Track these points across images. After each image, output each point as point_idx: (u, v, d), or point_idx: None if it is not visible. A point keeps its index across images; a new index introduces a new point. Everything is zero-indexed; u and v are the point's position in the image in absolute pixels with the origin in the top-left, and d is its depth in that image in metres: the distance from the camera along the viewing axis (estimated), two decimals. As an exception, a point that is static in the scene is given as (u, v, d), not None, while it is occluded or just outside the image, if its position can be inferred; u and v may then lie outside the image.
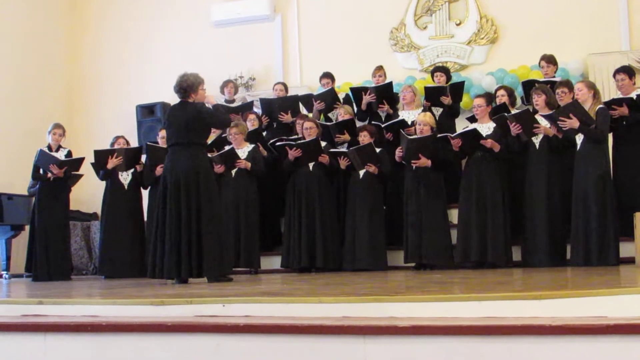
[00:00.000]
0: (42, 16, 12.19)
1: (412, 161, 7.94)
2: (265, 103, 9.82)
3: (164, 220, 6.51)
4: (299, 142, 8.52)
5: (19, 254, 10.12)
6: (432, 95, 9.13)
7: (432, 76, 9.57)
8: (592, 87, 7.38)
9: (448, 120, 9.13)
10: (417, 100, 9.11)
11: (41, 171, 8.75)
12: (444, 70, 9.60)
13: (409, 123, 8.63)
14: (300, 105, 9.85)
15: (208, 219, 6.51)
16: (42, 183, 8.83)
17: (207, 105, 6.89)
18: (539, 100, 7.70)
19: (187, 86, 6.73)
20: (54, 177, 8.65)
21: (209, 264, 6.44)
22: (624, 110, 7.72)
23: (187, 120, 6.61)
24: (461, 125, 8.99)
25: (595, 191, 7.12)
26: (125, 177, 9.09)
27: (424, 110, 8.76)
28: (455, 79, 9.95)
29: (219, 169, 8.35)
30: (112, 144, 9.22)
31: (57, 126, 9.00)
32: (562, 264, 7.43)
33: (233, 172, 8.50)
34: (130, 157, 9.04)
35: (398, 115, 8.98)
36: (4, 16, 11.39)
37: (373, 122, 9.06)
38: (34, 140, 9.47)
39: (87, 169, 9.21)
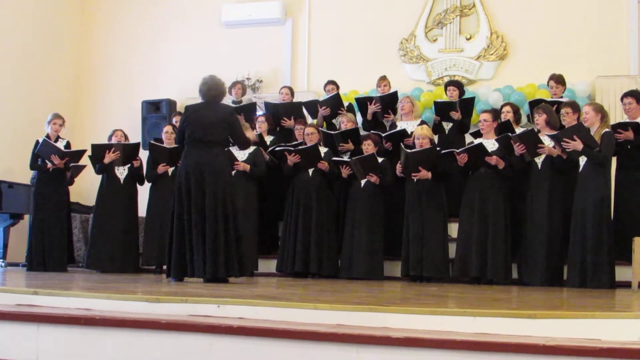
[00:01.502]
0: (52, 6, 12.21)
1: (413, 174, 7.94)
2: (271, 107, 9.83)
3: (189, 218, 6.50)
4: (298, 147, 8.53)
5: (19, 242, 10.12)
6: (441, 110, 9.13)
7: (445, 90, 9.57)
8: (599, 110, 7.35)
9: (457, 135, 9.13)
10: (416, 111, 9.12)
11: (39, 161, 8.75)
12: (457, 84, 9.56)
13: (409, 133, 8.68)
14: (304, 111, 9.86)
15: (232, 219, 6.55)
16: (40, 173, 8.83)
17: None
18: (539, 119, 7.72)
19: (220, 93, 6.82)
20: (53, 167, 8.65)
21: (231, 261, 6.46)
22: (629, 134, 7.71)
23: (217, 119, 6.65)
24: (466, 140, 8.99)
25: (593, 214, 7.11)
26: (121, 172, 9.06)
27: (423, 123, 8.77)
28: (465, 93, 9.95)
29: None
30: (110, 137, 9.18)
31: (57, 116, 8.98)
32: (558, 284, 7.42)
33: (232, 173, 8.49)
34: (127, 152, 9.02)
35: (396, 126, 8.97)
36: (14, 6, 11.41)
37: (372, 132, 9.02)
38: (37, 130, 9.47)
39: (88, 161, 9.21)
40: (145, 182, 9.23)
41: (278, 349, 3.49)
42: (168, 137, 9.09)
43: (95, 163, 9.03)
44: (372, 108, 9.30)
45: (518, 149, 7.62)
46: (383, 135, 8.79)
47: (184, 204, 6.53)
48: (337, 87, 9.86)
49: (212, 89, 6.75)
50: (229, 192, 6.61)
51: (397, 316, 3.78)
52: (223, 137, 6.74)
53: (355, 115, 9.57)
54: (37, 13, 11.81)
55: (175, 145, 8.82)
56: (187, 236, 6.47)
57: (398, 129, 8.82)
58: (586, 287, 6.94)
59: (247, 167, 8.49)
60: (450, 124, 9.20)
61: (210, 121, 6.62)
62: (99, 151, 8.94)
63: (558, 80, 8.87)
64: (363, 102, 9.47)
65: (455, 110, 9.04)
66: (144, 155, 9.27)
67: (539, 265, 7.51)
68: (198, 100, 6.94)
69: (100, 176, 9.17)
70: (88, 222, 10.60)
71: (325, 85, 9.95)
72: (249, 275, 8.47)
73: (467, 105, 9.20)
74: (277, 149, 8.82)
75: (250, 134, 8.08)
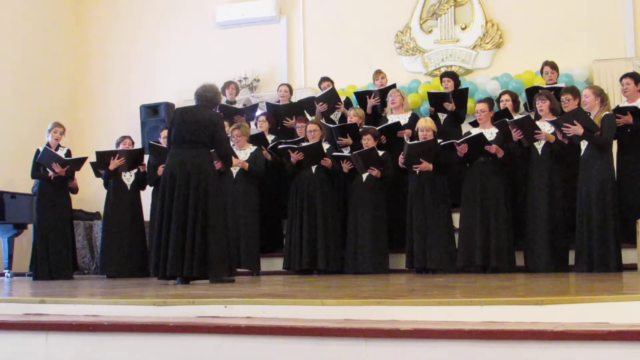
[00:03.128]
0: (47, 14, 12.21)
1: (414, 166, 7.94)
2: (271, 108, 9.85)
3: (170, 218, 6.49)
4: (301, 145, 8.53)
5: (23, 252, 10.12)
6: (435, 101, 9.13)
7: (441, 81, 9.57)
8: (599, 93, 7.34)
9: (453, 126, 9.12)
10: (406, 104, 9.12)
11: (41, 170, 8.75)
12: (452, 75, 9.58)
13: (402, 125, 8.71)
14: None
15: (215, 219, 6.53)
16: (42, 182, 8.84)
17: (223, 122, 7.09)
18: (543, 105, 7.70)
19: (216, 101, 6.90)
20: (55, 176, 8.65)
21: (216, 263, 6.45)
22: (628, 118, 7.70)
23: (203, 122, 6.66)
24: (463, 130, 8.98)
25: (597, 197, 7.10)
26: (128, 178, 9.09)
27: (414, 116, 8.80)
28: (461, 83, 9.96)
29: (216, 164, 8.35)
30: (118, 144, 9.21)
31: (57, 125, 8.97)
32: (564, 269, 7.42)
33: (234, 172, 8.50)
34: (132, 158, 9.04)
35: (387, 120, 8.97)
36: (10, 14, 11.41)
37: (371, 127, 9.01)
38: (37, 139, 9.47)
39: (89, 169, 9.21)
40: (148, 186, 9.23)
41: (286, 347, 3.49)
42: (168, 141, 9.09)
43: (101, 170, 9.05)
44: (371, 102, 9.30)
45: (516, 134, 7.62)
46: (377, 128, 8.78)
47: (165, 203, 6.53)
48: (332, 83, 9.85)
49: (207, 90, 6.81)
50: (213, 193, 6.59)
51: (405, 308, 3.78)
52: (207, 138, 6.71)
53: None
54: (32, 23, 11.80)
55: None
56: (165, 234, 6.46)
57: (390, 122, 8.81)
58: (592, 272, 6.94)
59: (246, 164, 8.49)
60: (445, 115, 9.18)
61: (195, 122, 6.65)
62: (103, 158, 8.95)
63: (553, 66, 8.90)
64: (362, 96, 9.47)
65: (449, 101, 9.03)
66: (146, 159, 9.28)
67: (543, 251, 7.51)
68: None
69: (104, 183, 9.18)
70: (92, 228, 10.64)
71: (320, 82, 9.96)
72: (255, 274, 8.51)
73: (460, 96, 9.20)
74: (280, 146, 8.81)
75: (238, 162, 8.24)
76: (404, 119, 8.84)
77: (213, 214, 6.53)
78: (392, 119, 8.91)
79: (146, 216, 9.25)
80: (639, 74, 8.11)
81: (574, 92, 7.73)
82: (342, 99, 9.71)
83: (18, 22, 11.56)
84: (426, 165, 7.91)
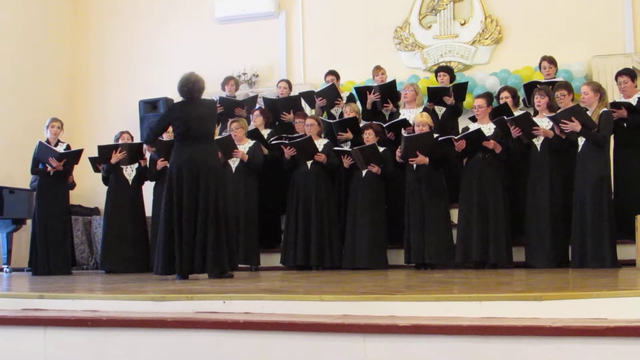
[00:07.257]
0: (46, 9, 12.19)
1: (410, 159, 7.93)
2: (268, 102, 9.83)
3: (180, 216, 6.49)
4: (292, 141, 8.52)
5: (21, 248, 10.12)
6: (434, 96, 9.13)
7: (436, 76, 9.57)
8: (597, 90, 7.33)
9: (451, 119, 9.13)
10: (419, 99, 9.09)
11: (41, 166, 8.74)
12: (447, 70, 9.59)
13: (411, 122, 8.66)
14: (303, 102, 9.86)
15: (225, 215, 6.56)
16: (42, 177, 8.82)
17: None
18: (542, 101, 7.70)
19: (198, 88, 6.79)
20: (53, 171, 8.64)
21: (221, 259, 6.46)
22: (623, 112, 7.70)
23: (205, 115, 6.72)
24: (462, 124, 8.99)
25: (592, 194, 7.10)
26: (129, 173, 9.07)
27: (426, 110, 8.75)
28: (458, 78, 9.93)
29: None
30: (117, 139, 9.20)
31: (54, 120, 8.96)
32: (564, 265, 7.42)
33: (233, 167, 8.50)
34: (133, 152, 9.03)
35: (399, 114, 8.96)
36: (7, 9, 11.38)
37: (374, 122, 9.01)
38: (34, 134, 9.45)
39: (87, 163, 9.20)
40: (148, 181, 9.22)
41: (285, 343, 3.49)
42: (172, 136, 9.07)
43: (101, 164, 9.04)
44: (371, 97, 9.28)
45: (515, 132, 7.62)
46: (385, 125, 8.78)
47: (174, 199, 6.53)
48: (338, 78, 9.82)
49: (184, 84, 6.77)
50: (222, 189, 6.62)
51: (403, 304, 3.78)
52: (212, 131, 6.80)
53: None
54: (29, 17, 11.77)
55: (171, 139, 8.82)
56: (177, 231, 6.46)
57: (399, 118, 8.80)
58: (586, 267, 6.94)
59: (246, 156, 8.49)
60: (443, 109, 9.18)
61: (200, 116, 6.67)
62: (105, 152, 8.95)
63: (551, 61, 8.89)
64: (362, 92, 9.45)
65: (449, 95, 9.03)
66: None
67: (543, 247, 7.51)
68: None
69: (103, 178, 9.17)
70: (91, 224, 10.63)
71: (326, 75, 9.92)
72: (253, 269, 8.50)
73: (460, 90, 9.21)
74: (273, 142, 8.81)
75: (238, 153, 8.35)
76: (415, 113, 8.78)
77: (223, 210, 6.55)
78: (404, 113, 8.90)
79: (147, 211, 9.22)
80: (634, 71, 8.13)
81: (568, 87, 7.73)
82: (344, 94, 9.68)
83: (15, 16, 11.52)
84: (422, 159, 7.89)
